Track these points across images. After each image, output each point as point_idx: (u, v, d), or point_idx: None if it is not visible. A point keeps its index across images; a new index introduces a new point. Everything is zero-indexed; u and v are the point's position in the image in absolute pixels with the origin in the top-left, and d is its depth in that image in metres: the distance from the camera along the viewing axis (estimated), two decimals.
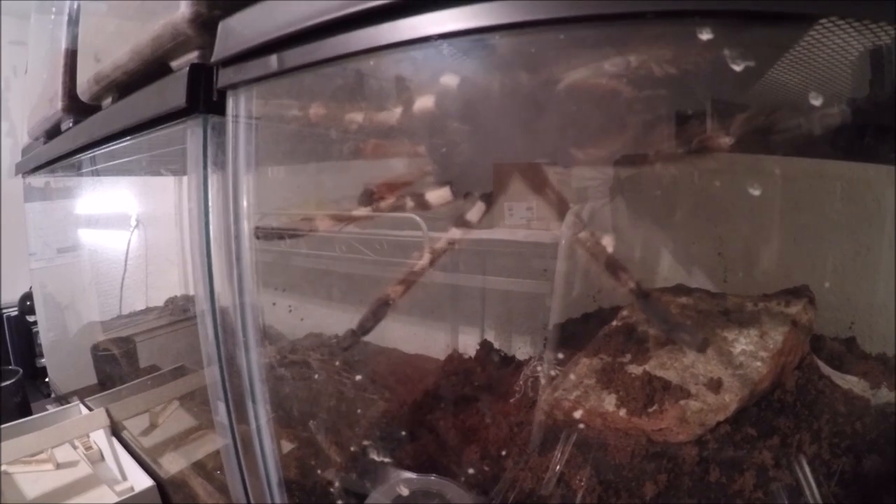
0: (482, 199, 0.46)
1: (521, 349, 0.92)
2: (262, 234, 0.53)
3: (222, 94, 0.55)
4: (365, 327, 0.51)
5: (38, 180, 1.20)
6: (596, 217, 0.87)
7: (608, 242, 0.46)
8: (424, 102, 0.42)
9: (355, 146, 0.47)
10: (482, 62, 0.39)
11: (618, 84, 0.39)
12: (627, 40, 0.40)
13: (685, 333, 0.54)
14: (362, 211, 0.49)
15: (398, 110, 0.44)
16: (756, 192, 0.45)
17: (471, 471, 0.66)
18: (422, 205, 0.46)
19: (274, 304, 0.85)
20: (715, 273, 0.81)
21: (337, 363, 0.90)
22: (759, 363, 0.63)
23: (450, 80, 0.41)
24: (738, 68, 0.42)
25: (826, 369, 0.70)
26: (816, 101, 0.45)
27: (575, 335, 0.79)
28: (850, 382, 0.69)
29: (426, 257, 0.49)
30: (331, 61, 0.44)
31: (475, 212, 0.47)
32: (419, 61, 0.41)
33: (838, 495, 0.58)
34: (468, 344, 0.95)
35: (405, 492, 0.57)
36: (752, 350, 0.64)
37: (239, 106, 0.52)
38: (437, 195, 0.46)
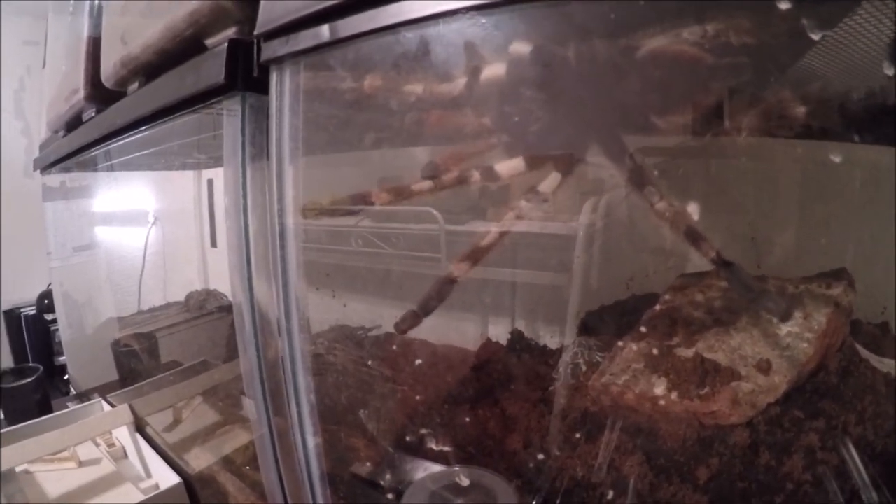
0: (557, 170, 0.42)
1: (552, 338, 0.87)
2: (312, 213, 0.48)
3: (263, 71, 0.51)
4: (428, 307, 0.47)
5: (57, 179, 1.14)
6: (615, 208, 0.83)
7: (693, 210, 0.42)
8: (495, 70, 0.38)
9: (418, 117, 0.43)
10: (559, 28, 0.35)
11: (699, 51, 0.35)
12: (706, 8, 0.36)
13: (770, 302, 0.50)
14: (424, 184, 0.45)
15: (461, 81, 0.39)
16: (837, 159, 0.42)
17: (515, 460, 0.62)
18: (490, 177, 0.42)
19: (318, 288, 0.80)
20: (748, 258, 0.78)
21: (364, 354, 0.85)
22: (805, 344, 0.60)
23: (522, 48, 0.37)
24: (815, 37, 0.39)
25: (864, 352, 0.67)
26: (889, 71, 0.41)
27: (609, 322, 0.75)
28: (888, 366, 0.66)
29: (493, 234, 0.44)
30: (388, 29, 0.40)
31: (549, 183, 0.42)
32: (490, 28, 0.37)
33: (884, 476, 0.55)
34: (496, 335, 0.91)
35: (465, 482, 0.52)
36: (797, 332, 0.61)
37: (284, 80, 0.48)
38: (509, 166, 0.41)
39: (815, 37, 0.39)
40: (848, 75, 0.47)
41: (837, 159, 0.39)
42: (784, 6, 0.36)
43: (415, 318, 0.48)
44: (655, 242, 0.81)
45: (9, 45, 1.42)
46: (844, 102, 0.41)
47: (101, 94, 0.75)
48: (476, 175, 0.43)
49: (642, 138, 0.44)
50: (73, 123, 0.87)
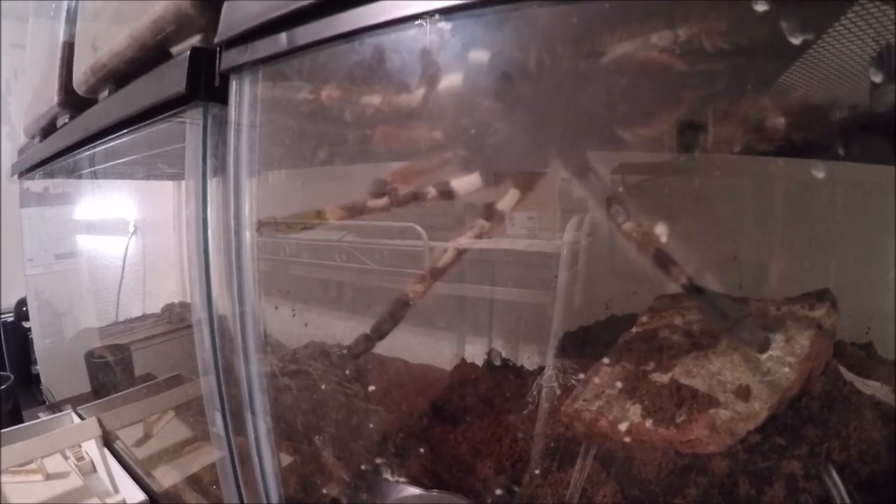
0: (516, 187, 0.39)
1: (530, 359, 0.84)
2: (266, 228, 0.45)
3: (224, 80, 0.48)
4: (381, 330, 0.44)
5: (34, 185, 1.11)
6: (598, 226, 0.80)
7: (661, 232, 0.39)
8: (452, 80, 0.36)
9: (362, 135, 0.40)
10: (519, 34, 0.33)
11: (669, 58, 0.32)
12: (677, 12, 0.33)
13: (746, 332, 0.47)
14: (378, 202, 0.42)
15: (420, 92, 0.37)
16: (820, 175, 0.39)
17: (484, 487, 0.58)
18: (446, 194, 0.39)
19: (276, 307, 0.77)
20: (730, 279, 0.75)
21: (339, 373, 0.82)
22: (787, 369, 0.57)
23: (481, 56, 0.34)
24: (796, 41, 0.36)
25: (848, 375, 0.64)
26: (877, 78, 0.38)
27: (587, 344, 0.72)
28: (873, 388, 0.63)
29: (451, 252, 0.41)
30: (345, 37, 0.37)
31: (508, 200, 0.40)
32: (447, 33, 0.34)
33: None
34: (472, 354, 0.88)
35: None
36: (779, 355, 0.58)
37: (243, 90, 0.45)
38: (466, 182, 0.39)
39: (796, 41, 0.36)
40: (832, 86, 0.44)
41: (821, 175, 0.36)
42: (761, 8, 0.33)
43: (367, 342, 0.45)
44: (636, 263, 0.78)
45: None
46: (828, 113, 0.38)
47: (74, 101, 0.73)
48: (432, 192, 0.40)
49: (617, 155, 0.41)
50: (48, 129, 0.84)
